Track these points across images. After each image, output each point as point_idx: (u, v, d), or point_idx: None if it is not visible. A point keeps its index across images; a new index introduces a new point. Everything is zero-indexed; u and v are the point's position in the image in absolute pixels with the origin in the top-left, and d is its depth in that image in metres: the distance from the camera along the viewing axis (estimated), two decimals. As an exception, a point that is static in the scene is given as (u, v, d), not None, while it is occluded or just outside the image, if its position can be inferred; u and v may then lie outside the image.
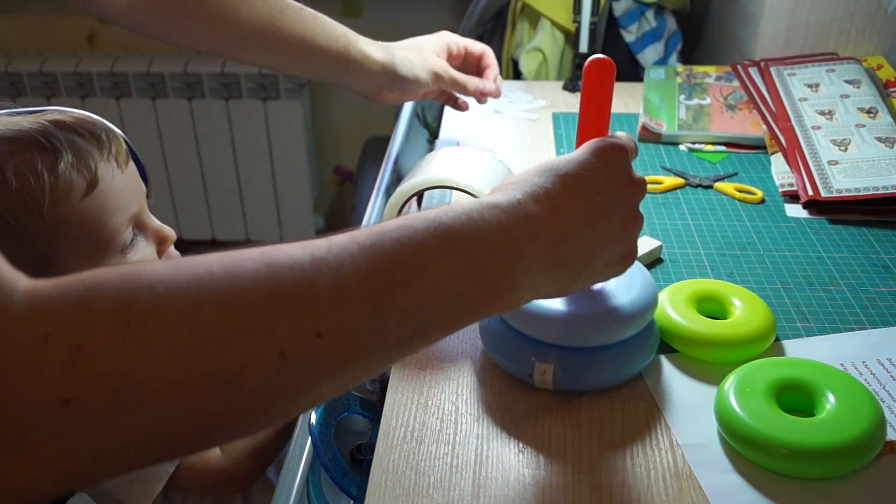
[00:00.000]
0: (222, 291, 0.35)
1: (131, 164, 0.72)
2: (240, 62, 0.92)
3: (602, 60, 0.53)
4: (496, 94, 0.98)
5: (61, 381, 0.32)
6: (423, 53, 0.92)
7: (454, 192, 0.75)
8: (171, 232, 0.72)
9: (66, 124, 0.68)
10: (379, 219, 0.96)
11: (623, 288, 0.59)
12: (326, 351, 0.37)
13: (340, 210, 2.35)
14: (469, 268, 0.42)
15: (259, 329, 0.35)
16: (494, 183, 0.68)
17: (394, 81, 0.90)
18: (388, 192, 1.03)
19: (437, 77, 0.92)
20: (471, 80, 0.96)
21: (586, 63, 0.54)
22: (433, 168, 0.68)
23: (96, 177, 0.66)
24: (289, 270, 0.37)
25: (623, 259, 0.52)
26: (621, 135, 0.53)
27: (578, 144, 0.55)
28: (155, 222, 0.72)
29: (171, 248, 0.73)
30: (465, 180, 0.65)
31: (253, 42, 0.82)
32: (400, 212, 0.69)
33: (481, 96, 0.97)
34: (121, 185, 0.69)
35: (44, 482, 0.33)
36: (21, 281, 0.33)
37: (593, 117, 0.55)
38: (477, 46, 0.99)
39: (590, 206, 0.48)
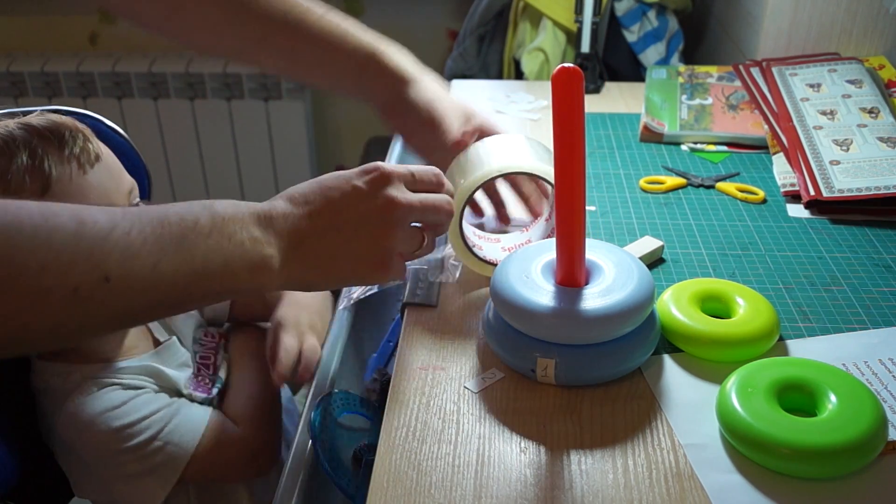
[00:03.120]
0: (37, 234, 0.44)
1: (104, 165, 0.72)
2: (251, 66, 0.81)
3: (569, 70, 0.53)
4: None
5: None
6: (446, 97, 0.79)
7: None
8: None
9: (31, 127, 0.70)
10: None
11: (620, 284, 0.59)
12: (112, 292, 0.47)
13: (342, 210, 2.35)
14: (232, 245, 0.52)
15: (60, 268, 0.45)
16: (545, 159, 0.70)
17: (416, 102, 0.76)
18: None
19: (467, 117, 0.78)
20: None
21: (553, 73, 0.53)
22: (492, 159, 0.69)
23: (49, 179, 0.67)
24: (92, 227, 0.46)
25: (374, 267, 0.58)
26: (400, 166, 0.60)
27: (556, 156, 0.55)
28: None
29: None
30: (530, 164, 0.68)
31: (269, 41, 0.77)
32: (470, 197, 0.70)
33: None
34: (83, 186, 0.69)
35: None
36: None
37: (566, 127, 0.54)
38: (497, 126, 0.82)
39: (338, 215, 0.56)
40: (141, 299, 0.48)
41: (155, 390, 0.79)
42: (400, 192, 0.58)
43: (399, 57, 0.78)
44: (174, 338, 0.85)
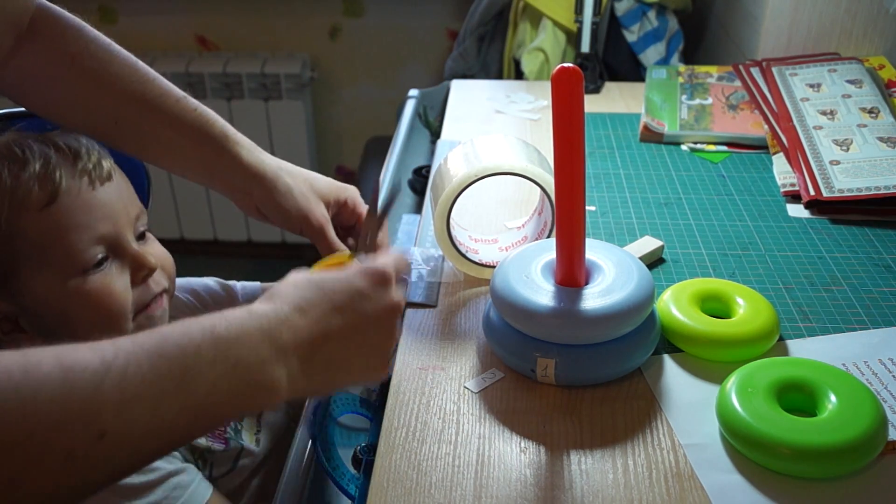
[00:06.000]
0: (20, 395, 0.39)
1: (115, 185, 0.70)
2: (110, 146, 0.74)
3: (569, 70, 0.53)
4: None
5: None
6: (309, 190, 0.79)
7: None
8: (150, 261, 0.69)
9: (48, 137, 0.68)
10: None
11: (620, 284, 0.59)
12: (108, 448, 0.42)
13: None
14: (237, 371, 0.48)
15: (49, 432, 0.39)
16: (533, 159, 0.69)
17: (266, 198, 0.76)
18: (390, 193, 1.03)
19: (305, 221, 0.76)
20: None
21: (553, 73, 0.53)
22: (481, 159, 0.68)
23: (58, 189, 0.65)
24: (81, 373, 0.41)
25: (376, 370, 0.56)
26: (388, 260, 0.57)
27: (556, 156, 0.55)
28: (134, 249, 0.68)
29: (157, 275, 0.70)
30: (519, 164, 0.68)
31: (125, 123, 0.73)
32: (451, 209, 0.69)
33: None
34: (90, 202, 0.67)
35: None
36: None
37: (566, 127, 0.54)
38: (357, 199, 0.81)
39: (348, 322, 0.53)
40: (140, 449, 0.44)
41: None
42: (397, 293, 0.56)
43: (251, 151, 0.77)
44: None
